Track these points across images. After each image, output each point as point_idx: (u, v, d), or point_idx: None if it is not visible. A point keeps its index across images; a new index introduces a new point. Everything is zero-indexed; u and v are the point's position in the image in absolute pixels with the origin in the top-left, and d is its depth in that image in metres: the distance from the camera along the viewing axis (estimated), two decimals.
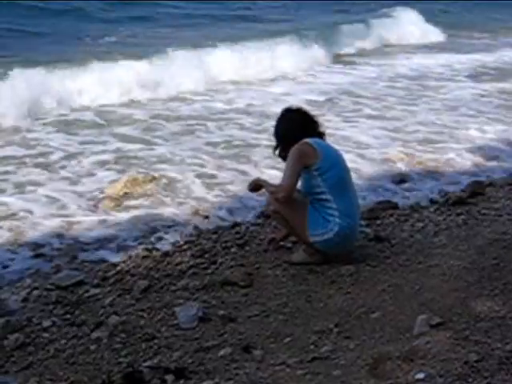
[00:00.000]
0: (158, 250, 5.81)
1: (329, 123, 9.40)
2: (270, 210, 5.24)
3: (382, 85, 14.02)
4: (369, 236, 5.72)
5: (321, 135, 5.24)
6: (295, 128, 5.16)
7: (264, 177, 6.22)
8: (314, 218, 5.04)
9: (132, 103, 11.87)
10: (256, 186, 5.29)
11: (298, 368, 3.69)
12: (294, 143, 5.04)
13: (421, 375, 3.38)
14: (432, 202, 6.90)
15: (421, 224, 6.07)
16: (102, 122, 10.50)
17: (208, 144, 9.26)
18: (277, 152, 5.31)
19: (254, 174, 7.57)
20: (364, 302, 4.51)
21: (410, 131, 10.15)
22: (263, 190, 5.29)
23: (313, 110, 5.55)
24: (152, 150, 8.99)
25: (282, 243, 5.57)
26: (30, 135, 9.47)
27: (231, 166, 8.25)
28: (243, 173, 7.96)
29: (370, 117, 11.15)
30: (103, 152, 8.77)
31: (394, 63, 16.99)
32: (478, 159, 8.68)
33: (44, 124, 10.15)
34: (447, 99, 12.68)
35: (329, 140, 5.38)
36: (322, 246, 5.10)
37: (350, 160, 8.15)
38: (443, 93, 13.31)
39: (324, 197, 5.04)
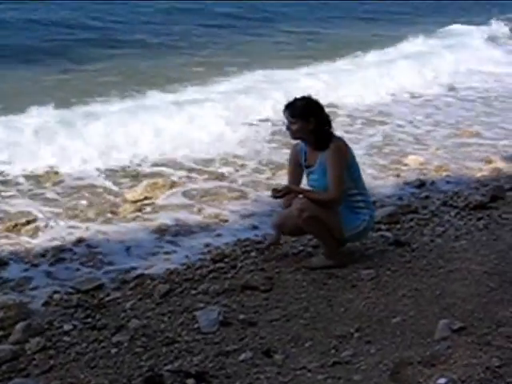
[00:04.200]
0: (178, 253, 5.81)
1: None
2: (305, 216, 4.97)
3: None
4: (389, 240, 5.70)
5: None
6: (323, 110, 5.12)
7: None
8: (346, 215, 5.09)
9: None
10: (285, 193, 5.06)
11: (319, 372, 3.68)
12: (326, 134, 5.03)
13: (442, 380, 3.36)
14: (452, 206, 6.86)
15: (441, 228, 6.04)
16: None
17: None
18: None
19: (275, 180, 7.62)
20: (385, 306, 4.49)
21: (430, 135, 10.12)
22: (287, 196, 5.11)
23: None
24: None
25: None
26: None
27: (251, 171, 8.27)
28: (264, 178, 7.97)
29: None
30: None
31: None
32: (499, 164, 8.60)
33: None
34: None
35: None
36: (353, 237, 5.23)
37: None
38: None
39: (350, 192, 5.08)
